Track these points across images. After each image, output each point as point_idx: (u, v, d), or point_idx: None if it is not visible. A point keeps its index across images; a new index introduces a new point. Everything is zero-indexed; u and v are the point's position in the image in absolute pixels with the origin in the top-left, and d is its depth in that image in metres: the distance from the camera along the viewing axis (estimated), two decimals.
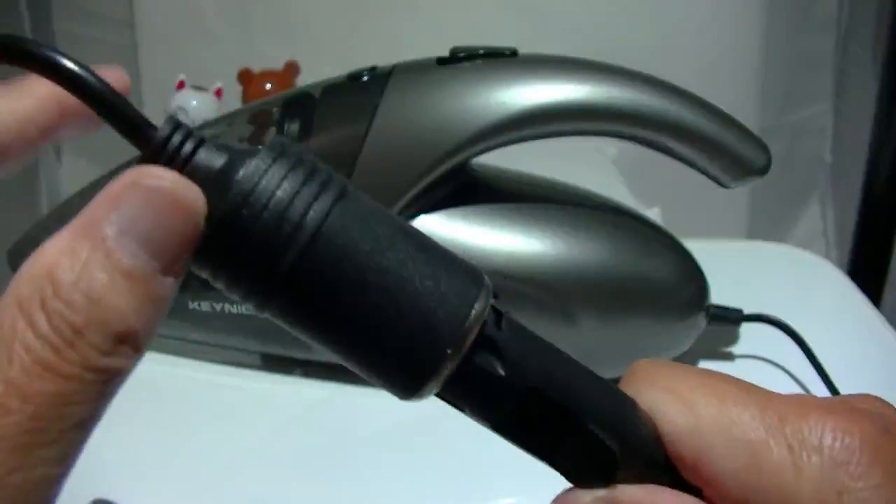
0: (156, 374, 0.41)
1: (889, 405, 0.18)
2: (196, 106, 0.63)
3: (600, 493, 0.17)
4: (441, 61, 0.42)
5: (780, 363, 0.46)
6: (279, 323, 0.17)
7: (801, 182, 1.03)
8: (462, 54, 0.42)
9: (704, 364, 0.46)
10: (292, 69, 0.68)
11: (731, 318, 0.45)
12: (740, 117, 0.41)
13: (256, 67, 0.68)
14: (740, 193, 0.86)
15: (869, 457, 0.16)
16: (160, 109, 0.65)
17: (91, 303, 0.14)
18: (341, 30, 0.90)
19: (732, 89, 0.85)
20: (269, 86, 0.67)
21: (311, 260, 0.16)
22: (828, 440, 0.17)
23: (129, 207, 0.15)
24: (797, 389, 0.44)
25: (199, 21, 0.92)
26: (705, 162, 0.41)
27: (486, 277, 0.17)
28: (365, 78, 0.43)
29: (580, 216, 0.43)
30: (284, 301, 0.16)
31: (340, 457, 0.40)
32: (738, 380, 0.18)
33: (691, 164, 0.42)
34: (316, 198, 0.16)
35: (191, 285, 0.44)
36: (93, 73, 0.16)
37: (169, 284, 0.15)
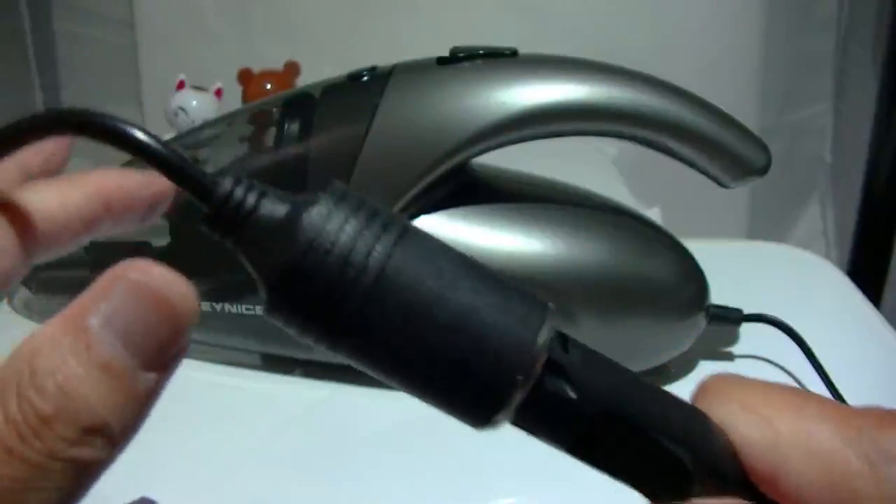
0: None
1: None
2: (196, 106, 0.63)
3: None
4: (441, 61, 0.42)
5: (780, 363, 0.46)
6: (351, 362, 0.17)
7: (801, 182, 1.03)
8: (462, 54, 0.42)
9: (704, 364, 0.46)
10: (292, 69, 0.68)
11: (731, 318, 0.45)
12: (740, 117, 0.41)
13: (256, 67, 0.68)
14: (740, 193, 0.86)
15: None
16: (160, 109, 0.65)
17: (62, 393, 0.15)
18: (341, 30, 0.90)
19: (732, 89, 0.85)
20: (269, 86, 0.67)
21: (377, 300, 0.16)
22: None
23: (113, 300, 0.15)
24: None
25: (199, 21, 0.92)
26: (705, 162, 0.41)
27: (550, 303, 0.17)
28: (365, 78, 0.43)
29: (580, 216, 0.43)
30: (355, 342, 0.17)
31: (340, 457, 0.40)
32: (812, 393, 0.18)
33: (691, 164, 0.42)
34: (378, 239, 0.16)
35: None
36: (159, 141, 0.17)
37: (151, 380, 0.16)
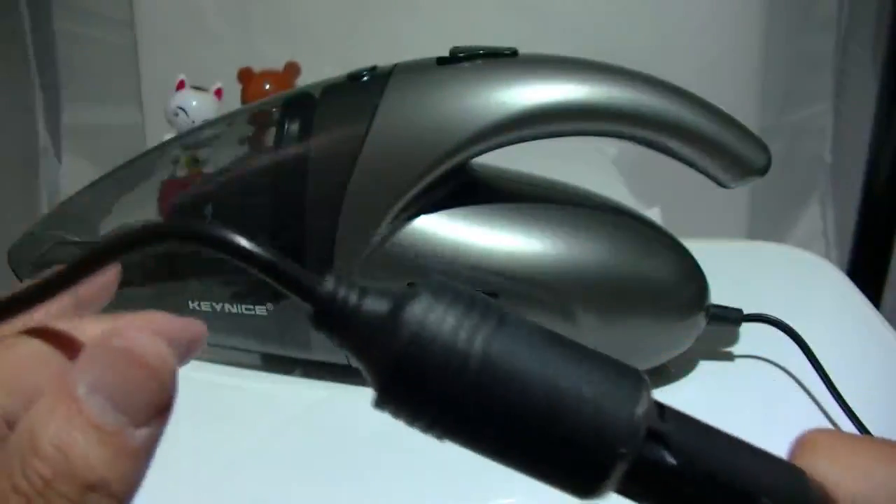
0: None
1: None
2: (196, 106, 0.63)
3: None
4: (441, 61, 0.42)
5: (780, 363, 0.46)
6: (460, 445, 0.18)
7: (801, 182, 1.03)
8: (462, 54, 0.42)
9: (704, 364, 0.46)
10: (292, 69, 0.68)
11: (731, 318, 0.45)
12: (740, 117, 0.41)
13: (256, 67, 0.68)
14: (740, 193, 0.86)
15: None
16: (160, 109, 0.65)
17: (61, 454, 0.16)
18: (341, 30, 0.90)
19: (732, 89, 0.85)
20: (268, 86, 0.67)
21: (483, 386, 0.17)
22: None
23: (98, 366, 0.17)
24: (797, 389, 0.44)
25: (199, 21, 0.92)
26: (705, 162, 0.41)
27: (644, 375, 0.18)
28: (365, 78, 0.43)
29: (580, 216, 0.43)
30: (464, 427, 0.18)
31: (340, 457, 0.40)
32: None
33: (691, 164, 0.42)
34: (478, 327, 0.17)
35: (190, 285, 0.45)
36: (261, 248, 0.18)
37: (143, 436, 0.17)
